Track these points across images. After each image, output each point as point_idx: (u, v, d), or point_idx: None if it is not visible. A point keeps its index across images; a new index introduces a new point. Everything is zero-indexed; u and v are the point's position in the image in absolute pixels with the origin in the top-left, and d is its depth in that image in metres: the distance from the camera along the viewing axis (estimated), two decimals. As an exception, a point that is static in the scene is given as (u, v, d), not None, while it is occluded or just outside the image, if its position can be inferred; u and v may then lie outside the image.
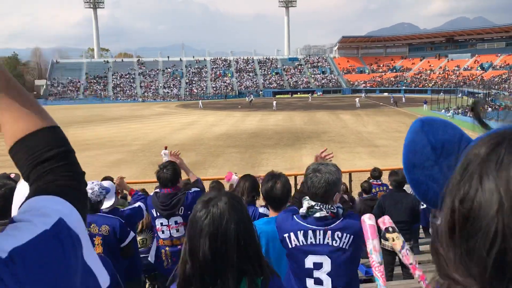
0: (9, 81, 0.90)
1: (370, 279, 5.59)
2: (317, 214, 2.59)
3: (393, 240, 3.03)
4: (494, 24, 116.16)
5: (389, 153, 22.59)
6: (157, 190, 4.57)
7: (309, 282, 2.62)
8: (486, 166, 0.58)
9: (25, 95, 0.93)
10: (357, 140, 28.27)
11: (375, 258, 2.46)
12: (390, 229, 3.18)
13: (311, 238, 2.59)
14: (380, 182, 8.37)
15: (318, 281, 2.59)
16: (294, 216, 2.69)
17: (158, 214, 4.39)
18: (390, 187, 7.05)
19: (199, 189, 4.53)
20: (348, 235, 2.60)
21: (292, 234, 2.63)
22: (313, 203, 2.61)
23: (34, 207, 0.79)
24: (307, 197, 2.68)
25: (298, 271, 2.66)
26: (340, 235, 2.59)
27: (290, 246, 2.64)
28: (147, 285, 5.41)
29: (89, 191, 3.78)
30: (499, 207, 0.55)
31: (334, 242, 2.59)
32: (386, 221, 3.08)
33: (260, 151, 24.69)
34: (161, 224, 4.40)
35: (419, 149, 0.85)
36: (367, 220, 2.51)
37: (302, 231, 2.61)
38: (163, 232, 4.43)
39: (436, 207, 0.80)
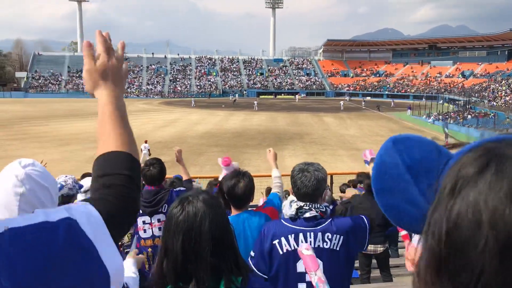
0: (124, 117, 1.22)
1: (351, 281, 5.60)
2: (307, 214, 2.56)
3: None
4: (476, 33, 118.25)
5: (370, 157, 22.75)
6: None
7: (301, 286, 2.57)
8: (474, 191, 0.55)
9: (127, 127, 1.21)
10: (339, 142, 28.46)
11: None
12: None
13: (302, 241, 2.55)
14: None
15: (311, 285, 2.49)
16: (282, 220, 2.65)
17: (141, 211, 4.25)
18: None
19: (184, 189, 4.40)
20: (338, 236, 2.57)
21: (283, 239, 2.57)
22: (301, 203, 2.58)
23: (60, 207, 0.89)
24: (294, 199, 2.65)
25: (289, 276, 2.59)
26: (330, 237, 2.56)
27: (281, 253, 2.57)
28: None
29: (62, 183, 3.69)
30: (486, 242, 0.52)
31: (325, 244, 2.56)
32: (367, 153, 2.91)
33: (243, 151, 24.67)
34: (143, 222, 4.27)
35: (389, 171, 0.79)
36: (305, 251, 2.35)
37: (292, 235, 2.56)
38: (145, 231, 4.28)
39: (413, 231, 0.78)
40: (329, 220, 2.61)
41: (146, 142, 22.01)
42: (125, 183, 1.06)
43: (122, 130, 1.17)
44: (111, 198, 1.02)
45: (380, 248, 5.89)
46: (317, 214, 2.57)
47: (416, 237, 5.14)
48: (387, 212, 0.80)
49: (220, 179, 4.97)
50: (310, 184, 2.55)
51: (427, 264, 0.58)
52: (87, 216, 0.86)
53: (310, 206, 2.57)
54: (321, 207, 2.60)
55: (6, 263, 0.70)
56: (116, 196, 1.03)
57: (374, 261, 6.17)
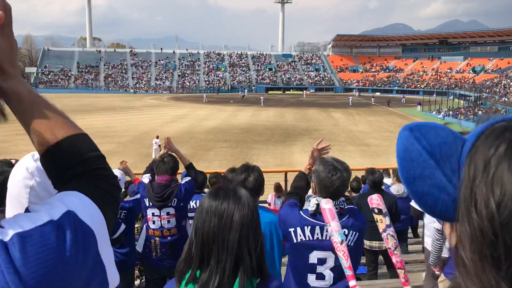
0: (38, 95, 0.95)
1: (359, 277, 5.60)
2: None
3: (379, 221, 3.19)
4: (487, 28, 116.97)
5: (379, 153, 22.70)
6: (146, 179, 4.56)
7: (311, 277, 2.59)
8: None
9: (53, 105, 0.97)
10: (348, 138, 28.37)
11: (336, 239, 2.45)
12: (376, 211, 3.25)
13: (317, 234, 2.56)
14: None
15: (320, 277, 2.57)
16: (301, 212, 2.65)
17: (151, 204, 4.36)
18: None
19: (190, 178, 4.53)
20: (354, 232, 2.59)
21: (298, 229, 2.58)
22: (322, 200, 2.58)
23: (52, 200, 0.82)
24: (311, 194, 2.66)
25: (300, 267, 2.61)
26: (347, 232, 2.57)
27: (294, 241, 2.60)
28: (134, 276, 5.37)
29: None
30: None
31: None
32: (373, 200, 3.09)
33: (251, 147, 24.68)
34: (153, 214, 4.37)
35: (415, 157, 0.76)
36: (324, 205, 2.51)
37: (309, 227, 2.57)
38: (154, 222, 4.39)
39: (448, 219, 0.76)
40: (346, 216, 2.62)
41: (157, 137, 22.14)
42: (104, 164, 0.99)
43: (59, 112, 0.97)
44: (100, 183, 0.94)
45: (385, 245, 5.85)
46: (336, 210, 2.57)
47: (428, 218, 5.08)
48: (420, 201, 0.77)
49: None
50: (341, 183, 2.54)
51: (474, 248, 0.55)
52: (83, 206, 0.82)
53: None
54: (340, 203, 2.61)
55: (15, 272, 0.65)
56: (103, 178, 0.96)
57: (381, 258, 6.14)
